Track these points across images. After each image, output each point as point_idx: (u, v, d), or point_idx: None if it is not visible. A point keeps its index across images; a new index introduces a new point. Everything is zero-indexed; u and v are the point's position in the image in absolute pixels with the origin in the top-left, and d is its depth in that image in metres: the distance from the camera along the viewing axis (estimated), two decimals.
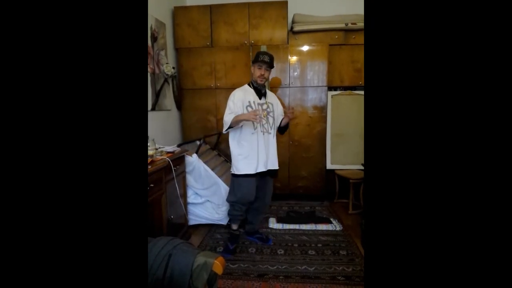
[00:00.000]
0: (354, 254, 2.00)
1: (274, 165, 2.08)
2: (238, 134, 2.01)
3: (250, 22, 2.92)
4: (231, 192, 2.12)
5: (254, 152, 1.98)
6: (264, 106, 2.02)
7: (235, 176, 2.05)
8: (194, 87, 3.04)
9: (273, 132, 2.08)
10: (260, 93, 2.03)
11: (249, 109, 1.95)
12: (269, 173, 2.07)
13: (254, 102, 1.98)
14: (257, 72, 1.96)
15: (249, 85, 2.06)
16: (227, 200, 2.16)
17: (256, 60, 1.96)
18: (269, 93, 2.12)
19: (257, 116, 1.80)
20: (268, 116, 2.03)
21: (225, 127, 1.94)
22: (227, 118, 1.91)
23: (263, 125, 2.01)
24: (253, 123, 1.95)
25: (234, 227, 2.18)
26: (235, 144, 2.04)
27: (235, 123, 1.89)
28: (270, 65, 1.98)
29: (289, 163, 3.05)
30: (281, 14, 2.89)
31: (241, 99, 1.96)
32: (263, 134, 2.01)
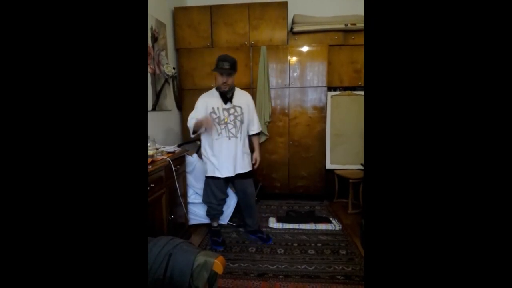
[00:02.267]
0: (354, 254, 2.01)
1: (242, 168, 2.09)
2: (206, 138, 2.08)
3: (250, 23, 2.93)
4: (204, 192, 2.22)
5: (219, 157, 2.03)
6: (231, 111, 2.02)
7: (208, 178, 2.15)
8: (194, 88, 3.05)
9: (241, 136, 2.05)
10: (226, 98, 2.01)
11: (213, 115, 1.98)
12: (239, 176, 2.09)
13: (218, 108, 1.99)
14: (220, 79, 1.95)
15: (216, 89, 2.05)
16: (203, 201, 2.25)
17: (216, 67, 1.95)
18: (238, 95, 2.07)
19: (209, 123, 1.90)
20: (235, 120, 2.02)
21: (190, 131, 1.99)
22: (190, 124, 1.98)
23: (229, 130, 2.00)
24: (217, 128, 2.00)
25: (215, 224, 2.26)
26: (204, 148, 2.12)
27: (197, 128, 1.95)
28: (232, 70, 1.95)
29: (289, 163, 3.06)
30: (281, 14, 2.89)
31: (204, 105, 2.00)
32: (229, 139, 2.01)
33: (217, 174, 2.06)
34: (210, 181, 2.12)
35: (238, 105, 2.04)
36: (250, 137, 2.17)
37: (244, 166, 2.10)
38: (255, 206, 2.29)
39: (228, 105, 2.02)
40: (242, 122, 2.05)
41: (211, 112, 1.99)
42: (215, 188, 2.12)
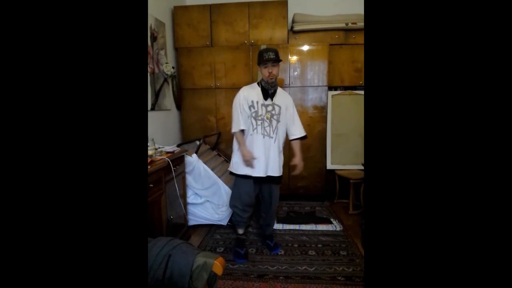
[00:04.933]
0: (354, 255, 2.00)
1: (274, 171, 1.95)
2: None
3: (250, 22, 2.92)
4: (233, 195, 2.07)
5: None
6: (269, 108, 1.90)
7: (234, 175, 2.01)
8: (193, 87, 3.04)
9: (276, 137, 1.92)
10: (267, 94, 1.91)
11: (252, 109, 1.89)
12: (270, 179, 1.96)
13: (257, 102, 1.89)
14: (265, 72, 1.85)
15: (258, 84, 1.96)
16: (230, 204, 2.11)
17: (261, 61, 1.84)
18: (281, 94, 1.97)
19: (249, 161, 1.87)
20: (272, 119, 1.90)
21: (233, 129, 1.94)
22: (237, 126, 1.90)
23: (264, 127, 1.90)
24: (252, 123, 1.89)
25: (240, 231, 2.10)
26: (235, 142, 2.01)
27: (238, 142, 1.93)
28: (276, 60, 1.84)
29: (289, 163, 3.04)
30: (281, 13, 2.88)
31: (245, 97, 1.90)
32: (263, 137, 1.90)
33: (248, 173, 1.92)
34: (239, 181, 1.98)
35: (278, 104, 1.93)
36: (291, 141, 2.04)
37: (277, 169, 1.96)
38: (275, 214, 2.20)
39: (268, 101, 1.91)
40: (278, 121, 1.93)
41: (250, 106, 1.88)
42: (243, 189, 1.96)
